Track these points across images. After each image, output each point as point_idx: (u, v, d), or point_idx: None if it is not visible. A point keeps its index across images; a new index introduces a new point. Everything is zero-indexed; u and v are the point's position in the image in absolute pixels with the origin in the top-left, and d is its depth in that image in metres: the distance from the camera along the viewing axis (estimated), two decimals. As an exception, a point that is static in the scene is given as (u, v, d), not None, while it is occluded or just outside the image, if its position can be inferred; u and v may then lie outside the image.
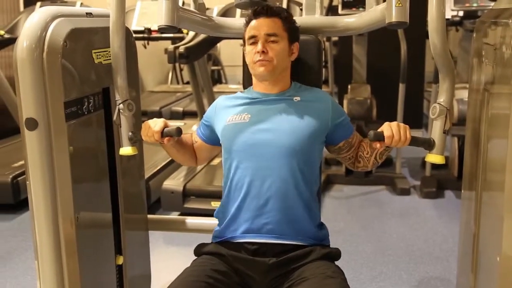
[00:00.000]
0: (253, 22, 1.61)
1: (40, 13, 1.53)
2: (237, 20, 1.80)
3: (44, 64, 1.47)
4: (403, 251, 2.96)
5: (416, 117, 5.35)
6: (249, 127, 1.59)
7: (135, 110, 1.65)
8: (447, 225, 3.29)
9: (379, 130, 1.46)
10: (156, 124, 1.57)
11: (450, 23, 3.84)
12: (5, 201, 3.60)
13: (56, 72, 1.49)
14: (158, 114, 5.92)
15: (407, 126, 1.46)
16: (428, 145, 1.48)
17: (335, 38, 6.10)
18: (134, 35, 4.55)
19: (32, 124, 1.49)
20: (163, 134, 1.56)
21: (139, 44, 5.88)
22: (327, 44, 6.72)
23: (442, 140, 1.47)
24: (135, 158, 1.99)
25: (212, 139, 1.72)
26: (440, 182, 3.90)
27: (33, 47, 1.46)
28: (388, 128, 1.43)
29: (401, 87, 4.02)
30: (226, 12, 4.06)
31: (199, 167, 3.65)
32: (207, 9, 4.91)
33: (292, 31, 1.64)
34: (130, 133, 1.61)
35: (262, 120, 1.60)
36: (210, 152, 1.78)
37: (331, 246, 1.67)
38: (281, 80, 1.64)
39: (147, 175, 3.41)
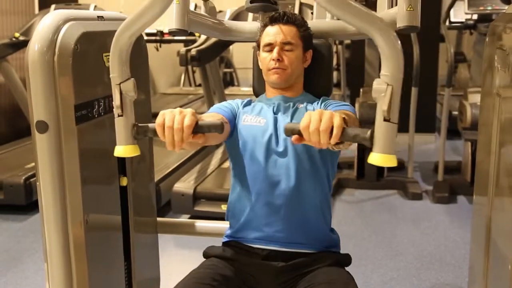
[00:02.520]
0: (269, 29, 1.61)
1: (52, 16, 1.54)
2: (247, 24, 1.80)
3: (55, 67, 1.48)
4: (414, 257, 2.93)
5: (429, 121, 5.32)
6: (264, 131, 1.58)
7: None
8: (459, 231, 3.26)
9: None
10: (185, 115, 1.15)
11: (464, 27, 3.81)
12: (17, 202, 3.63)
13: (67, 75, 1.50)
14: (170, 117, 5.92)
15: (336, 113, 1.07)
16: (363, 138, 1.05)
17: (347, 41, 6.09)
18: (146, 37, 4.59)
19: (42, 126, 1.50)
20: (196, 129, 1.14)
21: (151, 46, 5.91)
22: (339, 47, 6.74)
23: (385, 131, 1.03)
24: (145, 160, 2.00)
25: (231, 125, 1.58)
26: (453, 187, 3.87)
27: (44, 50, 1.47)
28: (305, 117, 1.07)
29: (414, 91, 3.99)
30: (239, 15, 4.06)
31: (209, 170, 3.65)
32: (219, 11, 4.94)
33: (307, 39, 1.64)
34: (135, 127, 1.23)
35: (275, 125, 1.58)
36: (217, 139, 1.54)
37: (341, 252, 1.66)
38: (295, 86, 1.64)
39: (157, 178, 3.42)
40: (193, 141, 1.18)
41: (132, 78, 1.23)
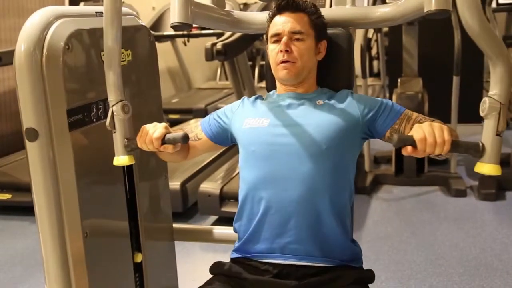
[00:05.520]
0: (277, 18, 1.45)
1: (41, 13, 1.41)
2: (258, 14, 1.63)
3: (44, 69, 1.35)
4: (456, 261, 2.69)
5: (474, 111, 4.99)
6: (268, 131, 1.42)
7: (131, 113, 1.44)
8: (508, 232, 2.99)
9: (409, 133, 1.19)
10: (156, 129, 1.37)
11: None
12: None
13: (57, 77, 1.37)
14: (204, 112, 5.84)
15: (446, 126, 1.18)
16: (475, 150, 1.16)
17: (385, 29, 5.81)
18: (174, 32, 4.47)
19: (32, 134, 1.38)
20: (164, 141, 1.37)
21: (180, 41, 5.79)
22: (378, 35, 6.46)
23: (495, 144, 1.15)
24: (157, 161, 1.86)
25: (221, 139, 1.56)
26: (501, 183, 3.57)
27: (31, 50, 1.35)
28: (418, 130, 1.14)
29: (455, 80, 3.72)
30: (267, 7, 3.89)
31: (237, 169, 3.51)
32: (244, 4, 4.78)
33: (320, 28, 1.47)
34: (126, 140, 1.41)
35: (282, 124, 1.42)
36: (210, 149, 1.62)
37: (364, 266, 1.48)
38: (306, 81, 1.47)
39: (183, 178, 3.30)
40: (164, 151, 1.40)
41: (123, 101, 1.41)
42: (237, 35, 3.56)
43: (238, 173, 3.47)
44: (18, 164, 3.96)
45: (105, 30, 1.39)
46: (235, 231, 1.52)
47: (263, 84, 7.12)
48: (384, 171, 4.02)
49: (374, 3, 3.94)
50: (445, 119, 1.48)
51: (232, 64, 4.00)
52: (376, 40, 6.81)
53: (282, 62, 1.41)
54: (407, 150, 1.13)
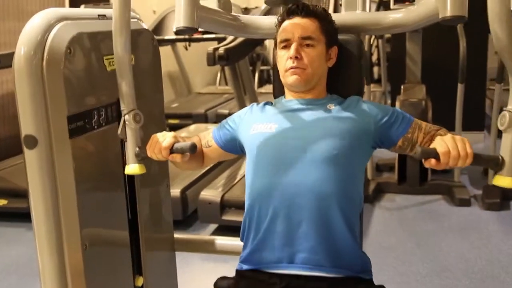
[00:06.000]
0: (286, 23, 1.41)
1: (42, 15, 1.36)
2: (266, 19, 1.58)
3: (44, 74, 1.30)
4: (462, 273, 2.64)
5: (477, 118, 4.96)
6: (276, 136, 1.37)
7: (143, 122, 1.45)
8: (514, 243, 2.94)
9: (430, 146, 1.21)
10: (165, 138, 1.35)
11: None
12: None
13: (57, 82, 1.32)
14: (204, 117, 5.79)
15: (466, 139, 1.18)
16: (495, 164, 1.18)
17: (388, 35, 5.77)
18: (175, 36, 4.41)
19: (31, 141, 1.32)
20: (172, 150, 1.36)
21: (180, 45, 5.74)
22: (379, 41, 6.43)
23: None
24: (159, 170, 1.81)
25: (230, 146, 1.52)
26: (505, 192, 3.51)
27: (31, 54, 1.29)
28: (441, 143, 1.15)
29: (460, 88, 3.67)
30: (270, 11, 3.85)
31: (239, 176, 3.45)
32: (245, 9, 4.73)
33: (331, 33, 1.42)
34: (137, 149, 1.42)
35: (291, 128, 1.38)
36: (222, 157, 1.59)
37: (373, 278, 1.42)
38: (316, 88, 1.42)
39: (183, 185, 3.24)
40: (176, 160, 1.38)
41: (135, 110, 1.42)
42: (239, 39, 3.51)
43: (240, 180, 3.43)
44: (15, 169, 3.89)
45: (114, 39, 1.37)
46: (241, 240, 1.46)
47: (263, 90, 7.11)
48: (387, 179, 3.96)
49: (378, 9, 3.90)
50: (449, 127, 1.46)
51: (234, 69, 3.95)
52: (377, 46, 6.78)
53: (292, 68, 1.36)
54: (431, 163, 1.14)
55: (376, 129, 1.37)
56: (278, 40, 1.41)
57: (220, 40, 4.40)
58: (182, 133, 4.75)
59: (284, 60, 1.38)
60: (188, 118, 5.65)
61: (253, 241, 1.39)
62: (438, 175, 3.86)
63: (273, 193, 1.33)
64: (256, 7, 4.76)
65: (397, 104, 3.91)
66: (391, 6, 3.57)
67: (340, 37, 1.48)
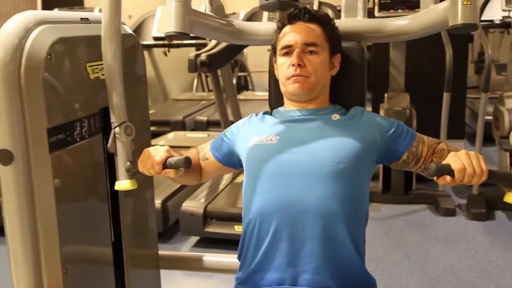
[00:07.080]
0: (287, 29, 1.32)
1: (20, 18, 1.24)
2: (262, 25, 1.49)
3: (22, 82, 1.19)
4: (452, 286, 2.58)
5: (457, 127, 4.95)
6: (277, 149, 1.28)
7: (135, 134, 1.35)
8: (502, 254, 2.90)
9: (443, 162, 1.14)
10: (157, 153, 1.27)
11: (501, 25, 3.45)
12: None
13: (36, 91, 1.20)
14: (181, 124, 5.66)
15: (480, 155, 1.13)
16: (509, 182, 1.14)
17: (368, 43, 5.74)
18: (153, 42, 4.28)
19: (6, 157, 1.20)
20: (166, 165, 1.28)
21: (159, 51, 5.60)
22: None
23: None
24: (143, 183, 1.69)
25: (228, 160, 1.43)
26: (490, 202, 3.49)
27: (7, 60, 1.18)
28: (456, 160, 1.11)
29: (446, 96, 3.65)
30: (253, 17, 3.76)
31: (221, 186, 3.34)
32: (233, 13, 4.62)
33: (334, 40, 1.35)
34: (128, 163, 1.34)
35: (293, 141, 1.29)
36: (220, 172, 1.50)
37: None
38: (319, 98, 1.34)
39: (164, 196, 3.11)
40: (170, 175, 1.30)
41: (126, 123, 1.35)
42: (222, 45, 3.41)
43: (223, 190, 3.32)
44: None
45: (104, 47, 1.28)
46: (239, 259, 1.36)
47: (241, 96, 7.01)
48: (371, 188, 3.89)
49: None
50: (433, 136, 1.40)
51: (215, 75, 3.85)
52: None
53: (294, 76, 1.28)
54: (446, 180, 1.11)
55: (382, 142, 1.30)
56: (279, 47, 1.32)
57: (199, 46, 4.29)
58: (160, 141, 4.62)
59: (285, 67, 1.30)
60: (165, 125, 5.52)
61: (252, 260, 1.29)
62: (422, 184, 3.82)
63: (275, 210, 1.24)
64: (234, 13, 4.65)
65: (381, 112, 3.86)
66: (376, 14, 3.53)
67: (342, 44, 1.40)
